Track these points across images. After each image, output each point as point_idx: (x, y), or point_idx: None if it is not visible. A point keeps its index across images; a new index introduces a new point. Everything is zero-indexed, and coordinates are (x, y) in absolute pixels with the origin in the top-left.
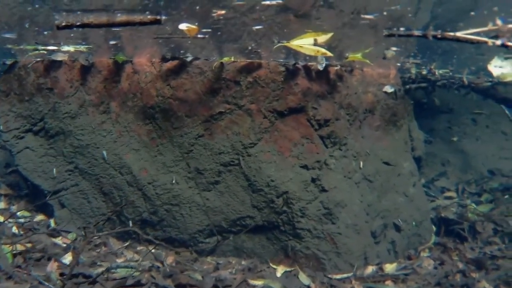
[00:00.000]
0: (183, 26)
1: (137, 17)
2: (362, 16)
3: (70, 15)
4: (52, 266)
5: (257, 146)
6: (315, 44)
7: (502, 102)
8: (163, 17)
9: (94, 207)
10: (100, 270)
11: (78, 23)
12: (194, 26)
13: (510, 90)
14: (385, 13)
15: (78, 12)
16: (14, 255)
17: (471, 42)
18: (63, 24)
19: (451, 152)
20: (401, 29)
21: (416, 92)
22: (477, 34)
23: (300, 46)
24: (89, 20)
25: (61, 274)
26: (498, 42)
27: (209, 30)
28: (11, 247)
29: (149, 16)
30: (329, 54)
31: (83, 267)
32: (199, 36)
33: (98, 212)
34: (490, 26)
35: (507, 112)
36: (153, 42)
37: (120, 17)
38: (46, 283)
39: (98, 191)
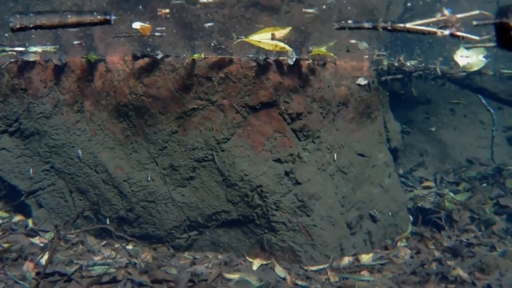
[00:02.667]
0: (136, 25)
1: (87, 18)
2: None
3: (23, 18)
4: (28, 266)
5: (230, 141)
6: (273, 38)
7: (478, 92)
8: (113, 18)
9: (71, 206)
10: (76, 268)
11: (31, 25)
12: (147, 25)
13: (485, 80)
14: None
15: (31, 15)
16: None
17: (421, 33)
18: (18, 26)
19: (429, 142)
20: (349, 21)
21: (393, 83)
22: (427, 25)
23: (259, 41)
24: (42, 21)
25: (37, 274)
26: (446, 32)
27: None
28: None
29: (99, 17)
30: (288, 48)
31: (60, 266)
32: (156, 34)
33: (75, 211)
34: (438, 17)
35: (483, 101)
36: (125, 40)
37: (71, 19)
38: (21, 282)
39: (75, 190)
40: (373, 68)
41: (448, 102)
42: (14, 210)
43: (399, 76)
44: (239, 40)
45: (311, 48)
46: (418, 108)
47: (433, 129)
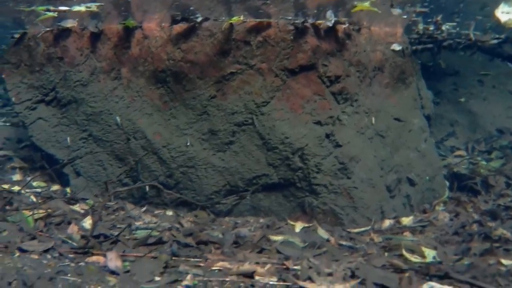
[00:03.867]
0: None
1: None
2: None
3: None
4: (72, 229)
5: (269, 105)
6: None
7: (509, 59)
8: None
9: (110, 173)
10: (122, 229)
11: None
12: None
13: None
14: None
15: None
16: (35, 220)
17: None
18: None
19: (459, 113)
20: None
21: (422, 54)
22: None
23: None
24: None
25: (82, 237)
26: None
27: None
28: (31, 212)
29: None
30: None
31: (103, 229)
32: None
33: (114, 178)
34: None
35: None
36: (162, 6)
37: None
38: (69, 241)
39: (113, 157)
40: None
41: (476, 73)
42: (52, 180)
43: (430, 45)
44: None
45: (355, 2)
46: (447, 80)
47: (462, 99)
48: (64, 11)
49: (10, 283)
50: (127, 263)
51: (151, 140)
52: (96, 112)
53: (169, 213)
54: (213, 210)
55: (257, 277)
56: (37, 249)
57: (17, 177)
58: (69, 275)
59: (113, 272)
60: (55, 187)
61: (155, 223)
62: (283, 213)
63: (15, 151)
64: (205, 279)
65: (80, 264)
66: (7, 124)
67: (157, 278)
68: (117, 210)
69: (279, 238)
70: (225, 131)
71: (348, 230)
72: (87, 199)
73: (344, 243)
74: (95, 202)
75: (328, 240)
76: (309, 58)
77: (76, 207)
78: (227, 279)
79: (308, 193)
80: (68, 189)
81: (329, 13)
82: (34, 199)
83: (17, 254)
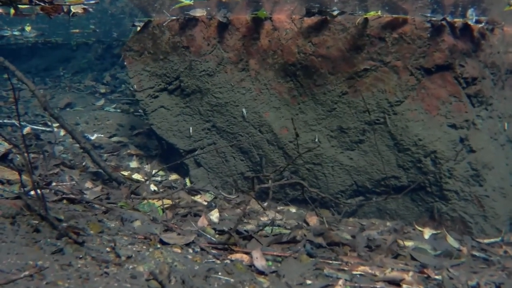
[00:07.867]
0: None
1: None
2: None
3: None
4: (203, 221)
5: (403, 104)
6: None
7: None
8: None
9: (232, 166)
10: (249, 227)
11: None
12: None
13: None
14: None
15: None
16: (163, 210)
17: None
18: None
19: None
20: None
21: None
22: None
23: None
24: None
25: (215, 230)
26: None
27: None
28: (159, 202)
29: None
30: None
31: (233, 224)
32: None
33: (236, 171)
34: None
35: None
36: None
37: None
38: (207, 235)
39: (237, 149)
40: None
41: None
42: (169, 169)
43: None
44: None
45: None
46: None
47: None
48: None
49: (170, 281)
50: (270, 263)
51: (277, 134)
52: (222, 103)
53: (292, 210)
54: (338, 210)
55: (404, 286)
56: (178, 242)
57: (134, 164)
58: (220, 273)
59: (260, 272)
60: (174, 176)
61: (280, 219)
62: (410, 218)
63: (129, 138)
64: (356, 285)
65: (225, 261)
66: (118, 110)
67: (308, 282)
68: (240, 204)
69: (409, 243)
70: (355, 129)
71: (477, 240)
72: (208, 191)
73: (477, 254)
74: (217, 195)
75: (459, 250)
76: (446, 58)
77: (198, 198)
78: (378, 286)
79: (438, 199)
80: (187, 180)
81: (471, 11)
82: (155, 188)
83: (159, 246)
